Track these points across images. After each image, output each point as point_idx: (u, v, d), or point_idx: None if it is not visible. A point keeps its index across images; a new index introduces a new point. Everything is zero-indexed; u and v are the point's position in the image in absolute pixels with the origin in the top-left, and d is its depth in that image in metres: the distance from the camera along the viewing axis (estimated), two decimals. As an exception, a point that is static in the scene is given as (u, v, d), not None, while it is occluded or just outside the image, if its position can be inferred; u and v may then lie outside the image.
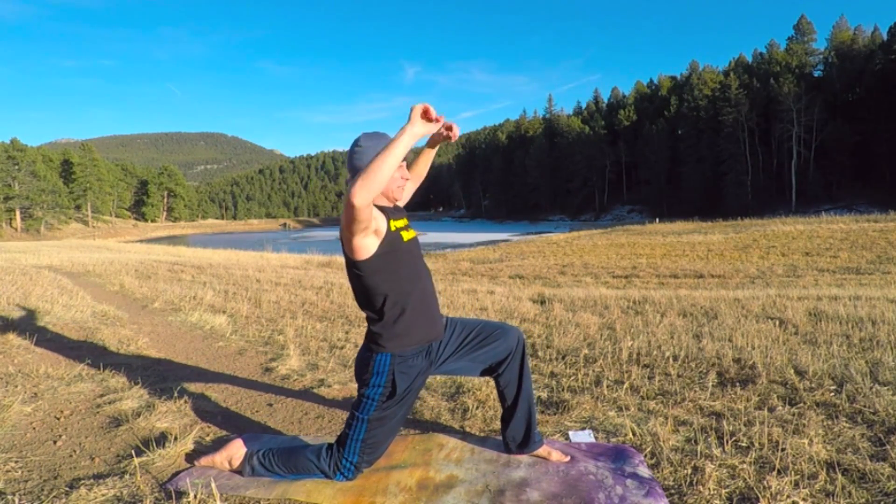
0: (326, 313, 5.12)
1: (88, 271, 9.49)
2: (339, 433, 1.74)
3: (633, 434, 2.05)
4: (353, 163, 1.64)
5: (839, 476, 1.65)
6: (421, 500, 1.61)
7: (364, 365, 1.70)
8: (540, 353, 3.36)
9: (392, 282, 1.64)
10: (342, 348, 3.61)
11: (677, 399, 2.44)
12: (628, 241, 24.44)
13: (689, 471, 1.74)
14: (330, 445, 1.72)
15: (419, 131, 1.49)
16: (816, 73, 58.75)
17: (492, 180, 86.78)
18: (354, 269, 1.63)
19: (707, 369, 2.87)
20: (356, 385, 2.76)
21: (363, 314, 1.73)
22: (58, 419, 2.29)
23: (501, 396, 1.85)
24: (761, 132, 54.36)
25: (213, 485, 1.63)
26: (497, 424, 2.16)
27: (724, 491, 1.61)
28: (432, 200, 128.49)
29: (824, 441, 1.92)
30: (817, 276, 12.09)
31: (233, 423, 2.29)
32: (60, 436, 2.11)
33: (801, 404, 2.30)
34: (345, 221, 1.49)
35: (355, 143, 1.67)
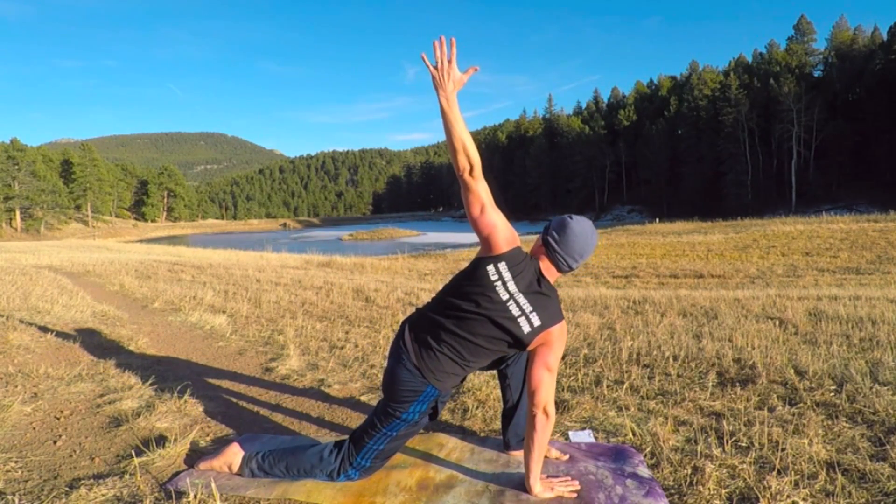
0: (326, 313, 5.12)
1: (88, 271, 9.49)
2: (353, 433, 1.72)
3: (633, 434, 2.05)
4: (557, 236, 1.68)
5: (839, 476, 1.65)
6: (421, 500, 1.61)
7: (409, 389, 1.63)
8: (540, 353, 3.36)
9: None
10: (342, 348, 3.61)
11: (677, 399, 2.44)
12: (628, 241, 24.46)
13: (689, 471, 1.74)
14: (336, 444, 1.72)
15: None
16: (816, 73, 58.68)
17: (492, 180, 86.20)
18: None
19: (707, 369, 2.87)
20: (357, 385, 2.78)
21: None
22: (58, 419, 2.29)
23: (505, 391, 1.86)
24: (761, 132, 54.31)
25: (213, 485, 1.63)
26: (497, 424, 2.16)
27: (724, 491, 1.61)
28: (432, 200, 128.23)
29: (824, 441, 1.92)
30: (817, 276, 12.10)
31: (233, 423, 2.29)
32: (60, 436, 2.11)
33: (801, 404, 2.29)
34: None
35: (581, 230, 1.66)
